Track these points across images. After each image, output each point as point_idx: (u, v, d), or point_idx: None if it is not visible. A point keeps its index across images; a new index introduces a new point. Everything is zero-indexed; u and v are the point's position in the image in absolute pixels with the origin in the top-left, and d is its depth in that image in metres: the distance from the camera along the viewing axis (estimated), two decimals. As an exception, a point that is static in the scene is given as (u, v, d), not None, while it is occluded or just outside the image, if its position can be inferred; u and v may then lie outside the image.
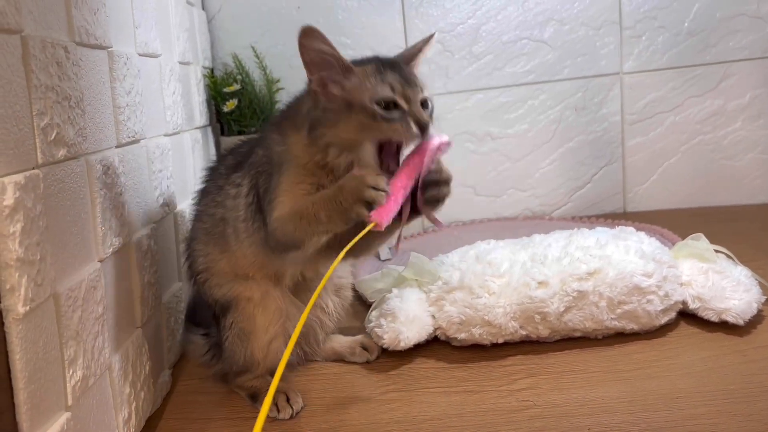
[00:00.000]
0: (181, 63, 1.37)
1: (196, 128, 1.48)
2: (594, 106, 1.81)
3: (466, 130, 1.82)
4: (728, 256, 1.16)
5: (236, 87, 1.58)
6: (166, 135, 1.21)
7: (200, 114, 1.52)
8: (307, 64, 0.95)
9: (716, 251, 1.15)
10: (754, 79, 1.78)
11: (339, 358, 1.14)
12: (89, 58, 0.85)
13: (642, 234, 1.17)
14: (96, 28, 0.86)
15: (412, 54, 1.03)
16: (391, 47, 1.74)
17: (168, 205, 1.17)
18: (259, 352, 1.03)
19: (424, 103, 0.95)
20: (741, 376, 0.96)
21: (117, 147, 0.94)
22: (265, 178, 0.99)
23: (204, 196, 1.11)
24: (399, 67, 0.96)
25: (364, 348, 1.13)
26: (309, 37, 0.92)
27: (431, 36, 1.04)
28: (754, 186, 1.84)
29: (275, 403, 1.00)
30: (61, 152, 0.74)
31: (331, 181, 0.96)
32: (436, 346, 1.15)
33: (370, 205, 0.87)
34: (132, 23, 1.05)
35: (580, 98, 1.81)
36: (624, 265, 1.07)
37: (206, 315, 1.14)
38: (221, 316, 1.06)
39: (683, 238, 1.50)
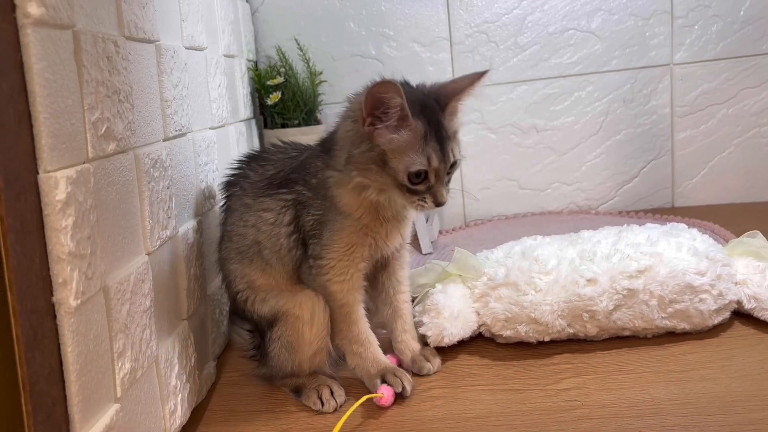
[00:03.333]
0: (226, 56, 1.37)
1: (241, 121, 1.49)
2: (643, 98, 1.76)
3: (511, 122, 1.79)
4: (787, 255, 1.11)
5: (280, 80, 1.58)
6: (211, 128, 1.22)
7: (245, 107, 1.53)
8: (366, 109, 0.90)
9: (774, 249, 1.11)
10: (813, 69, 1.71)
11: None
12: (138, 52, 0.86)
13: (695, 231, 1.13)
14: (145, 22, 0.87)
15: (459, 89, 0.97)
16: (434, 38, 1.73)
17: (213, 198, 1.18)
18: (305, 363, 1.03)
19: (454, 166, 0.96)
20: (801, 379, 0.92)
21: (164, 140, 0.95)
22: (311, 216, 0.99)
23: (229, 213, 1.08)
24: (442, 130, 0.93)
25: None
26: (383, 91, 0.88)
27: (483, 73, 0.98)
28: (811, 181, 1.77)
29: (320, 396, 1.00)
30: (111, 146, 0.75)
31: (380, 223, 0.98)
32: (480, 342, 1.13)
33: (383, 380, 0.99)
34: (179, 17, 1.06)
35: (628, 90, 1.76)
36: (676, 263, 1.03)
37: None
38: (267, 329, 1.04)
39: (736, 235, 1.47)
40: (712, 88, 1.75)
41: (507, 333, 1.07)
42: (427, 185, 0.93)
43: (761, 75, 1.73)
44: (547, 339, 1.07)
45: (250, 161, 1.09)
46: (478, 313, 1.10)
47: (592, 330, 1.06)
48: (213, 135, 1.21)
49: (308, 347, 1.02)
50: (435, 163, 0.92)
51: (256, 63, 1.76)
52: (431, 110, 0.94)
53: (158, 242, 0.89)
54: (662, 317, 1.04)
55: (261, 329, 1.06)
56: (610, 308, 1.03)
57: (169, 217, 0.94)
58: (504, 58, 1.77)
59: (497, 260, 1.13)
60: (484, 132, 1.80)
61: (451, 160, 0.94)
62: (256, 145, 1.64)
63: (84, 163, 0.70)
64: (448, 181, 0.96)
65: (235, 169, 1.09)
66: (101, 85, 0.73)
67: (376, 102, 0.89)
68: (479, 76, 0.98)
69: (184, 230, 1.01)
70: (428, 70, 1.78)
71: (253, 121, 1.65)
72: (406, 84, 0.97)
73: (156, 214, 0.88)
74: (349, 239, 0.98)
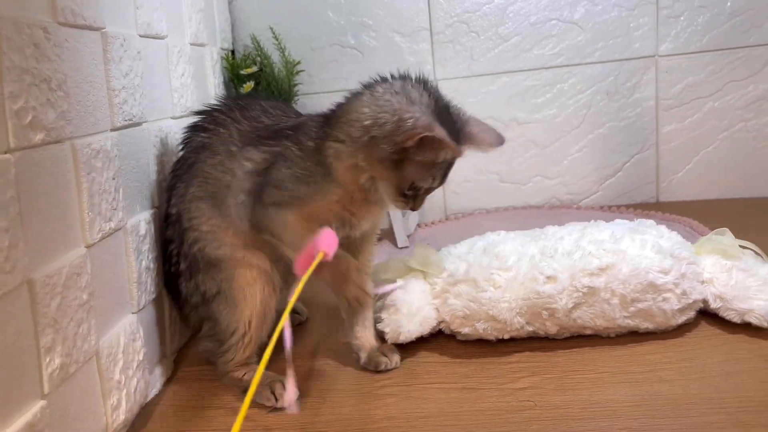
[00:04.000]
0: (193, 44, 1.35)
1: (211, 111, 1.46)
2: (627, 91, 1.73)
3: (491, 114, 1.76)
4: (756, 253, 1.08)
5: (254, 69, 1.56)
6: (173, 118, 1.20)
7: (216, 96, 1.50)
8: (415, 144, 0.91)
9: (743, 247, 1.08)
10: (801, 62, 1.67)
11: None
12: (77, 39, 0.83)
13: (662, 227, 1.10)
14: (85, 9, 0.85)
15: (478, 142, 0.98)
16: (414, 28, 1.71)
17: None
18: (245, 325, 1.02)
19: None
20: (760, 383, 0.89)
21: (112, 130, 0.93)
22: (289, 170, 0.98)
23: (212, 154, 1.04)
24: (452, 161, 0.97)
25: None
26: (442, 146, 0.91)
27: (501, 142, 0.99)
28: (798, 177, 1.73)
29: (273, 392, 0.98)
30: (39, 136, 0.73)
31: (361, 203, 0.99)
32: (441, 339, 1.11)
33: None
34: (133, 4, 1.03)
35: (612, 82, 1.73)
36: (639, 261, 1.01)
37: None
38: (211, 281, 1.03)
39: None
40: (697, 80, 1.71)
41: (465, 330, 1.05)
42: (415, 194, 0.97)
43: (748, 68, 1.69)
44: (506, 337, 1.05)
45: (243, 107, 1.08)
46: (437, 310, 1.07)
47: (552, 328, 1.03)
48: (175, 125, 1.19)
49: (256, 304, 1.02)
50: (435, 184, 0.97)
51: (233, 52, 1.73)
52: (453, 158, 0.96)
53: (99, 235, 0.87)
54: (624, 316, 1.01)
55: (200, 290, 1.04)
56: (570, 306, 1.00)
57: (115, 209, 0.92)
58: (485, 49, 1.74)
59: (459, 256, 1.10)
60: (464, 124, 1.77)
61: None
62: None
63: (5, 153, 0.67)
64: None
65: (223, 108, 1.09)
66: (26, 73, 0.71)
67: (426, 145, 0.90)
68: (497, 143, 0.99)
69: (135, 222, 0.99)
70: (408, 60, 1.75)
71: (227, 111, 1.62)
72: (446, 108, 0.97)
73: (97, 205, 0.86)
74: (321, 203, 0.98)
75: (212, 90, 1.48)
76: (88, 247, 0.84)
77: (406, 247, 1.60)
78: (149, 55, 1.10)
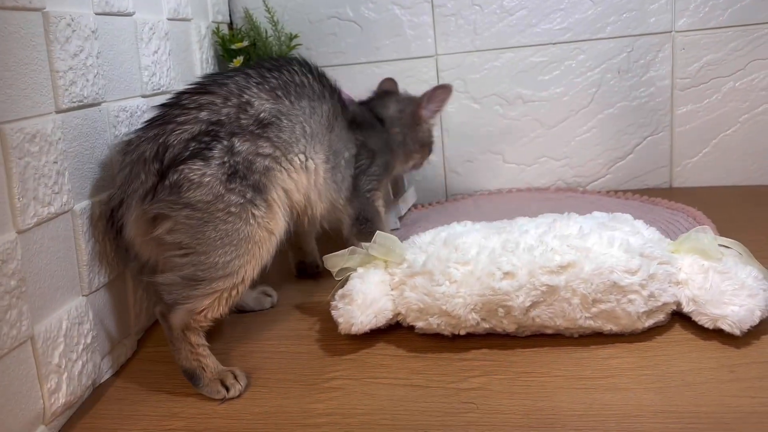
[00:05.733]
0: (173, 19, 1.32)
1: (197, 87, 1.44)
2: (639, 69, 1.62)
3: (495, 92, 1.68)
4: (740, 253, 1.00)
5: (245, 43, 1.53)
6: (143, 96, 1.18)
7: (203, 72, 1.48)
8: (431, 101, 1.37)
9: (725, 246, 1.00)
10: (835, 39, 1.53)
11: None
12: (9, 21, 0.82)
13: (638, 223, 1.03)
14: (17, -10, 0.83)
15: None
16: (415, 1, 1.64)
17: (139, 170, 1.15)
18: (239, 272, 0.98)
19: None
20: (720, 396, 0.83)
21: (58, 113, 0.92)
22: (366, 152, 1.25)
23: (312, 111, 1.10)
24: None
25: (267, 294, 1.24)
26: (446, 92, 1.38)
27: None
28: (827, 164, 1.61)
29: (224, 384, 0.96)
30: (-49, 123, 0.72)
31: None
32: (401, 331, 1.07)
33: None
34: (89, -19, 1.01)
35: (624, 59, 1.62)
36: (603, 260, 0.94)
37: None
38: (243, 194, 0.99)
39: (724, 223, 1.35)
40: (717, 58, 1.59)
41: (420, 324, 1.02)
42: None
43: (774, 45, 1.56)
44: (462, 333, 1.00)
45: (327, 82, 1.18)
46: (394, 302, 1.04)
47: (509, 326, 0.98)
48: (144, 104, 1.17)
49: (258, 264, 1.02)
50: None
51: (230, 25, 1.70)
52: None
53: (35, 220, 0.86)
54: (586, 317, 0.95)
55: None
56: (527, 305, 0.95)
57: (56, 193, 0.91)
58: (489, 23, 1.66)
59: (421, 246, 1.06)
60: (466, 101, 1.70)
61: None
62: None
63: None
64: None
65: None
66: (-67, 59, 0.69)
67: (441, 99, 1.37)
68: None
69: (85, 205, 0.98)
70: (408, 34, 1.69)
71: (219, 87, 1.60)
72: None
73: (33, 190, 0.85)
74: (387, 178, 1.36)
75: (198, 66, 1.46)
76: (20, 232, 0.83)
77: (397, 228, 1.56)
78: (110, 32, 1.08)
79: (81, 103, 0.98)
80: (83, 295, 0.98)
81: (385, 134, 1.33)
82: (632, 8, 1.59)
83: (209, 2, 1.55)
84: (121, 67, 1.11)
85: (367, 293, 1.02)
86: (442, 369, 0.96)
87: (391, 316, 1.04)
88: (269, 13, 1.60)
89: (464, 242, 1.02)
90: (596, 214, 1.09)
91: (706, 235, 0.99)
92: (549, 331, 0.99)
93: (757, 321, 0.92)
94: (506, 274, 0.96)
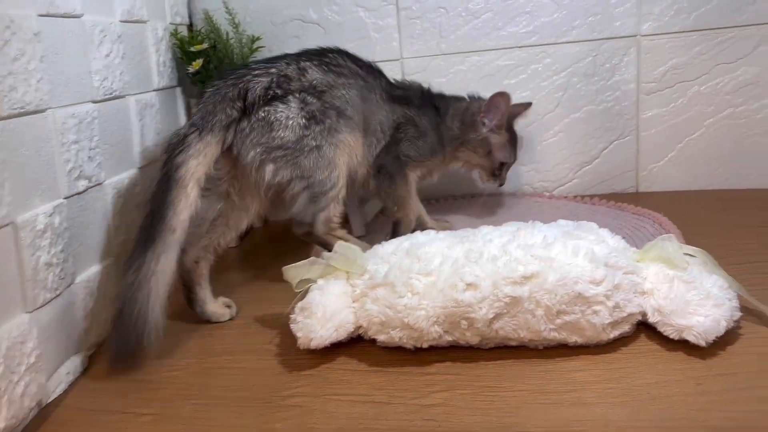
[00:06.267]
0: (126, 21, 1.28)
1: (154, 90, 1.40)
2: (605, 73, 1.61)
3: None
4: (705, 262, 0.99)
5: (204, 45, 1.48)
6: (93, 101, 1.13)
7: (160, 75, 1.43)
8: (489, 109, 1.39)
9: (690, 255, 0.99)
10: (797, 44, 1.54)
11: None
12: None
13: (603, 231, 1.01)
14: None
15: (514, 114, 1.48)
16: (380, 3, 1.63)
17: (89, 179, 1.10)
18: (344, 175, 1.23)
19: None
20: (686, 410, 0.81)
21: (-4, 120, 0.87)
22: (414, 129, 1.36)
23: (368, 91, 1.30)
24: (516, 142, 1.47)
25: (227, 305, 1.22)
26: (503, 98, 1.37)
27: (529, 105, 1.53)
28: (790, 167, 1.61)
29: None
30: None
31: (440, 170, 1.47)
32: (363, 344, 1.04)
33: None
34: (32, -19, 0.96)
35: (589, 63, 1.61)
36: (568, 270, 0.92)
37: None
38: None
39: (689, 228, 1.35)
40: (682, 62, 1.59)
41: (382, 337, 0.98)
42: (501, 173, 1.46)
43: (738, 50, 1.56)
44: (425, 346, 0.98)
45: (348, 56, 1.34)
46: (356, 314, 1.01)
47: (473, 339, 0.96)
48: (94, 109, 1.12)
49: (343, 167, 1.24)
50: (511, 160, 1.47)
51: (189, 27, 1.65)
52: (512, 126, 1.46)
53: (-30, 234, 0.81)
54: (550, 329, 0.93)
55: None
56: (491, 317, 0.93)
57: (-6, 205, 0.86)
58: (454, 26, 1.63)
59: (383, 256, 1.03)
60: (433, 105, 1.68)
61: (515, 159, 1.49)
62: (177, 116, 1.55)
63: None
64: None
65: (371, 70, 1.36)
66: None
67: (496, 106, 1.38)
68: (526, 107, 1.52)
69: (29, 217, 0.93)
70: (373, 37, 1.66)
71: (178, 90, 1.55)
72: None
73: (-33, 203, 0.81)
74: (428, 162, 1.40)
75: (155, 69, 1.41)
76: (-48, 248, 0.78)
77: (363, 235, 1.53)
78: (56, 35, 1.03)
79: (23, 110, 0.93)
80: (26, 312, 0.93)
81: (438, 121, 1.40)
82: (597, 12, 1.58)
83: (167, 3, 1.51)
84: (69, 72, 1.06)
85: (327, 306, 0.99)
86: (404, 384, 0.93)
87: (352, 330, 1.01)
88: (230, 14, 1.56)
89: (427, 252, 0.99)
90: (561, 222, 1.07)
91: (671, 244, 0.98)
92: (513, 343, 0.97)
93: (722, 331, 0.90)
94: (469, 285, 0.93)
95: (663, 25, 1.57)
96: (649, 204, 1.53)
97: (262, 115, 1.15)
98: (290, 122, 1.17)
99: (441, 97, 1.45)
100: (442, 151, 1.41)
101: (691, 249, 1.00)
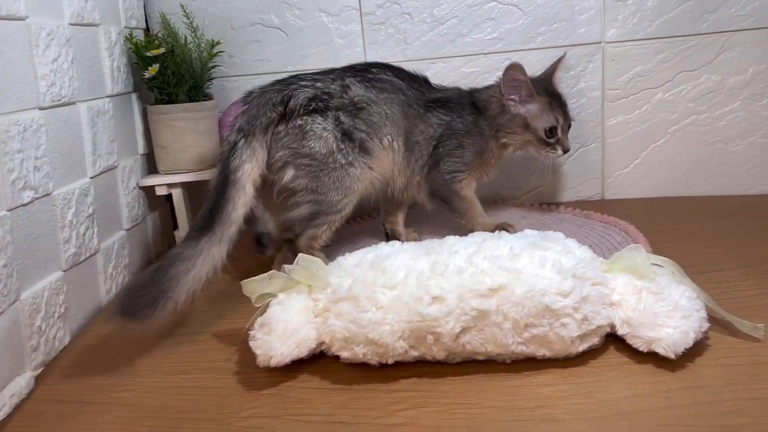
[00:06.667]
0: (76, 24, 1.22)
1: (107, 97, 1.34)
2: (570, 80, 1.60)
3: (427, 102, 1.63)
4: (673, 272, 0.98)
5: (161, 50, 1.43)
6: (40, 108, 1.08)
7: (114, 81, 1.38)
8: (506, 86, 1.33)
9: (657, 265, 0.97)
10: (757, 52, 1.55)
11: None
12: None
13: (570, 241, 0.99)
14: None
15: (549, 74, 1.41)
16: (343, 8, 1.60)
17: (35, 189, 1.04)
18: (352, 207, 1.27)
19: (569, 124, 1.39)
20: (656, 425, 0.79)
21: (-70, 128, 0.81)
22: (454, 139, 1.34)
23: (391, 101, 1.30)
24: (561, 101, 1.38)
25: None
26: (514, 69, 1.30)
27: (562, 57, 1.41)
28: (752, 175, 1.62)
29: None
30: None
31: (491, 165, 1.41)
32: (326, 360, 1.00)
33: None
34: (-30, -20, 0.91)
35: (555, 70, 1.60)
36: (535, 282, 0.90)
37: None
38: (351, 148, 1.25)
39: (655, 235, 1.34)
40: (646, 70, 1.59)
41: (345, 354, 0.95)
42: (556, 138, 1.35)
43: (700, 57, 1.56)
44: (390, 361, 0.94)
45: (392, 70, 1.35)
46: (318, 330, 0.97)
47: (439, 354, 0.93)
48: (40, 117, 1.07)
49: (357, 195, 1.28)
50: (561, 120, 1.35)
51: (146, 31, 1.60)
52: (548, 88, 1.37)
53: None
54: (518, 342, 0.91)
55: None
56: (457, 331, 0.90)
57: (-72, 219, 0.80)
58: (419, 32, 1.61)
59: (347, 269, 0.99)
60: (397, 112, 1.65)
61: (570, 120, 1.39)
62: (133, 122, 1.49)
63: None
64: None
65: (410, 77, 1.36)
66: None
67: (510, 78, 1.31)
68: (559, 61, 1.41)
69: (-33, 231, 0.88)
70: (336, 42, 1.62)
71: (134, 96, 1.50)
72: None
73: None
74: (477, 166, 1.38)
75: (108, 74, 1.36)
76: None
77: (328, 245, 1.49)
78: (-2, 38, 0.97)
79: (-40, 117, 0.87)
80: (-35, 332, 0.87)
81: (477, 117, 1.37)
82: (562, 18, 1.57)
83: (121, 6, 1.45)
84: (12, 77, 1.01)
85: (288, 322, 0.95)
86: (369, 402, 0.90)
87: (314, 346, 0.97)
88: (188, 18, 1.51)
89: (392, 264, 0.96)
90: (527, 232, 1.05)
91: (639, 254, 0.96)
92: (480, 358, 0.94)
93: (691, 343, 0.89)
94: (435, 298, 0.90)
95: (627, 32, 1.57)
96: (615, 211, 1.52)
97: (300, 123, 1.22)
98: (324, 134, 1.22)
99: (476, 90, 1.41)
100: (487, 146, 1.37)
101: (658, 259, 0.98)
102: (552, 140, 1.35)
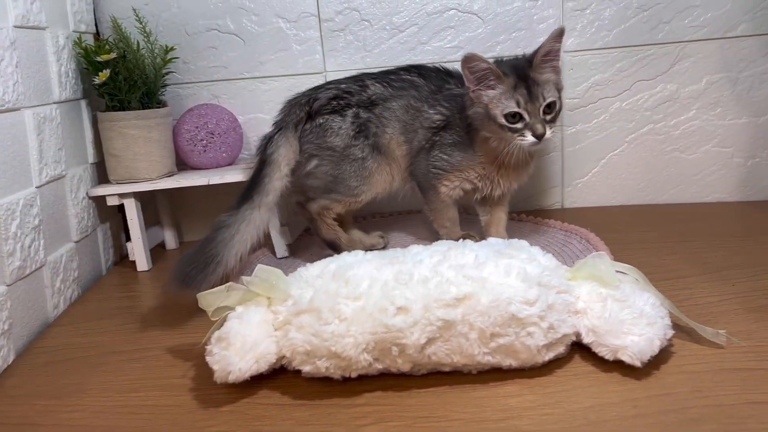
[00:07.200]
0: (21, 27, 1.17)
1: (54, 103, 1.28)
2: (530, 88, 1.61)
3: (387, 110, 1.62)
4: (636, 279, 0.97)
5: (112, 55, 1.38)
6: (-20, 114, 1.02)
7: (61, 86, 1.32)
8: (468, 79, 1.23)
9: (621, 272, 0.97)
10: (711, 62, 1.58)
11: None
12: None
13: (535, 249, 0.98)
14: None
15: (540, 47, 1.22)
16: (301, 14, 1.57)
17: (-25, 198, 0.99)
18: (369, 196, 1.36)
19: (550, 106, 1.22)
20: (623, 435, 0.78)
21: None
22: (450, 134, 1.32)
23: (408, 100, 1.34)
24: (529, 80, 1.21)
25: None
26: (470, 62, 1.20)
27: (559, 31, 1.22)
28: (708, 182, 1.65)
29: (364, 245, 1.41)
30: None
31: (496, 167, 1.30)
32: (287, 375, 0.97)
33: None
34: None
35: (514, 79, 1.60)
36: (500, 290, 0.88)
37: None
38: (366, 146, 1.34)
39: (616, 243, 1.35)
40: (604, 79, 1.60)
41: (307, 368, 0.91)
42: (523, 123, 1.20)
43: (656, 67, 1.59)
44: (353, 375, 0.91)
45: (420, 70, 1.38)
46: (278, 344, 0.93)
47: (404, 366, 0.90)
48: (-17, 122, 1.01)
49: (376, 190, 1.38)
50: (523, 102, 1.20)
51: (96, 35, 1.54)
52: (521, 68, 1.22)
53: None
54: (484, 353, 0.89)
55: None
56: (423, 342, 0.88)
57: None
58: (378, 40, 1.59)
59: (308, 280, 0.96)
60: (357, 120, 1.63)
61: (541, 100, 1.20)
62: (82, 130, 1.44)
63: None
64: (551, 120, 1.22)
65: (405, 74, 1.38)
66: None
67: (469, 70, 1.21)
68: (556, 33, 1.22)
69: None
70: (295, 49, 1.59)
71: (83, 102, 1.44)
72: (498, 60, 1.28)
73: None
74: (467, 166, 1.31)
75: (56, 79, 1.30)
76: None
77: (286, 257, 1.46)
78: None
79: None
80: None
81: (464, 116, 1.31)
82: (521, 27, 1.58)
83: (69, 9, 1.40)
84: (-50, 80, 0.95)
85: (246, 336, 0.91)
86: (332, 418, 0.87)
87: (274, 360, 0.93)
88: (140, 23, 1.46)
89: (355, 275, 0.93)
90: (491, 240, 1.04)
91: (602, 261, 0.96)
92: (446, 369, 0.92)
93: (656, 351, 0.89)
94: (400, 309, 0.88)
95: (585, 41, 1.58)
96: (575, 220, 1.53)
97: (321, 121, 1.34)
98: (342, 132, 1.33)
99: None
100: (473, 145, 1.30)
101: (622, 266, 0.98)
102: (518, 126, 1.20)
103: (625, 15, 1.56)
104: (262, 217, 1.26)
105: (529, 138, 1.20)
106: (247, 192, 1.28)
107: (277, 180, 1.30)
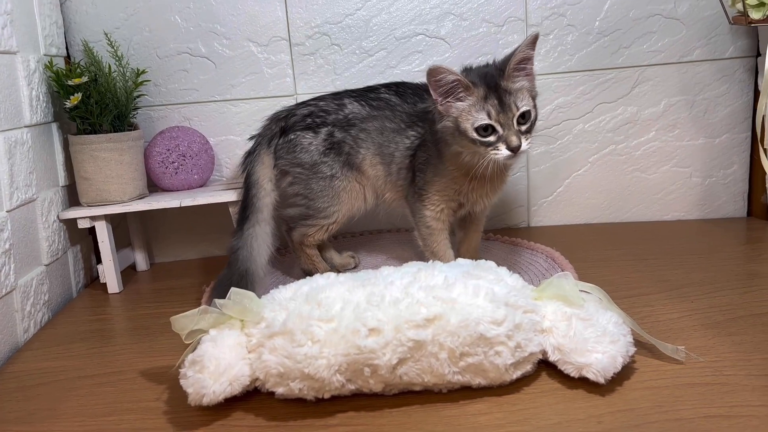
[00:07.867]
0: (-8, 52, 1.17)
1: (25, 127, 1.29)
2: (496, 111, 1.65)
3: (357, 132, 1.65)
4: (600, 298, 1.01)
5: (84, 79, 1.38)
6: (-49, 139, 1.02)
7: (32, 110, 1.32)
8: (435, 92, 1.16)
9: (585, 292, 1.01)
10: (669, 85, 1.64)
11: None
12: None
13: (502, 270, 1.01)
14: None
15: (512, 54, 1.16)
16: (272, 38, 1.59)
17: (-54, 224, 0.99)
18: (342, 215, 1.39)
19: (524, 116, 1.15)
20: (589, 450, 0.81)
21: None
22: (423, 152, 1.30)
23: (383, 122, 1.35)
24: (500, 89, 1.14)
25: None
26: (435, 74, 1.14)
27: (533, 38, 1.15)
28: (667, 201, 1.71)
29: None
30: None
31: (469, 181, 1.25)
32: (261, 397, 0.98)
33: None
34: None
35: (481, 101, 1.64)
36: (469, 311, 0.91)
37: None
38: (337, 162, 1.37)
39: (580, 262, 1.39)
40: (568, 101, 1.66)
41: (280, 390, 0.93)
42: (497, 135, 1.14)
43: (617, 90, 1.65)
44: (326, 396, 0.93)
45: (398, 88, 1.38)
46: (252, 366, 0.94)
47: (376, 386, 0.92)
48: (-47, 148, 1.01)
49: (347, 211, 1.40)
50: (494, 114, 1.13)
51: (67, 59, 1.55)
52: (491, 77, 1.16)
53: None
54: (454, 372, 0.91)
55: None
56: (394, 362, 0.90)
57: None
58: (348, 63, 1.63)
59: (281, 302, 0.98)
60: (328, 142, 1.65)
61: (514, 110, 1.14)
62: (53, 153, 1.44)
63: None
64: (526, 131, 1.16)
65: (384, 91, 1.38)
66: None
67: (435, 83, 1.15)
68: (530, 40, 1.15)
69: None
70: (266, 72, 1.62)
71: (54, 126, 1.44)
72: (467, 67, 1.23)
73: None
74: (444, 183, 1.28)
75: (27, 103, 1.30)
76: None
77: (263, 276, 1.47)
78: None
79: None
80: None
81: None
82: (487, 52, 1.62)
83: (40, 33, 1.40)
84: None
85: (220, 358, 0.92)
86: (306, 439, 0.88)
87: (248, 383, 0.94)
88: (112, 47, 1.47)
89: (327, 297, 0.95)
90: (460, 261, 1.06)
91: (567, 281, 0.99)
92: (417, 388, 0.94)
93: (619, 368, 0.92)
94: (372, 330, 0.90)
95: (549, 65, 1.64)
96: (540, 238, 1.57)
97: (292, 137, 1.37)
98: (311, 148, 1.36)
99: None
100: (444, 161, 1.26)
101: (586, 285, 1.02)
102: (490, 139, 1.14)
103: (586, 40, 1.62)
104: (265, 230, 1.34)
105: (504, 151, 1.13)
106: (243, 213, 1.36)
107: (265, 197, 1.37)
